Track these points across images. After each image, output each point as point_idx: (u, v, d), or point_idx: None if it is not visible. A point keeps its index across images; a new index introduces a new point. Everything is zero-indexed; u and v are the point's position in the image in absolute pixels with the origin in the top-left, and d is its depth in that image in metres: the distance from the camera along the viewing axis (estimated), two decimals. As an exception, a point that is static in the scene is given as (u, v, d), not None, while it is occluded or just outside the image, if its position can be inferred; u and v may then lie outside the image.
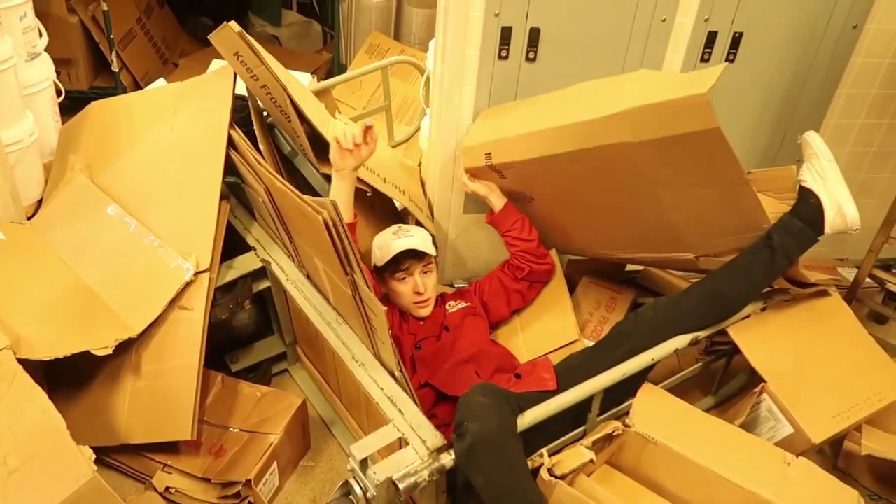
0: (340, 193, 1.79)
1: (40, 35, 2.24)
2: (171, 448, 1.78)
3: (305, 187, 2.20)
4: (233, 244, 2.00)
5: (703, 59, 2.02)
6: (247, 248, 2.02)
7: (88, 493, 1.36)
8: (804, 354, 1.82)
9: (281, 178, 1.66)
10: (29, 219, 2.07)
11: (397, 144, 2.89)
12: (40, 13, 2.25)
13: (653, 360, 1.70)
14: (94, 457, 1.39)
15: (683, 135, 1.50)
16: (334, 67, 3.86)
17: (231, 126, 1.93)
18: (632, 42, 1.96)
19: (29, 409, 1.41)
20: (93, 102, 2.22)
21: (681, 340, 1.73)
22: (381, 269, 1.92)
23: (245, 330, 2.14)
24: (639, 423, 1.59)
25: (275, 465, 1.80)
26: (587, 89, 1.77)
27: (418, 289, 1.90)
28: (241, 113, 2.10)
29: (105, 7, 3.19)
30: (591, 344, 1.86)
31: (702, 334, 1.76)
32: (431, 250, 1.93)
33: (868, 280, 2.31)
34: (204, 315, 1.78)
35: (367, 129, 1.74)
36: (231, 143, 1.93)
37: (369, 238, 2.05)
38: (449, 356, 1.80)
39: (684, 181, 1.64)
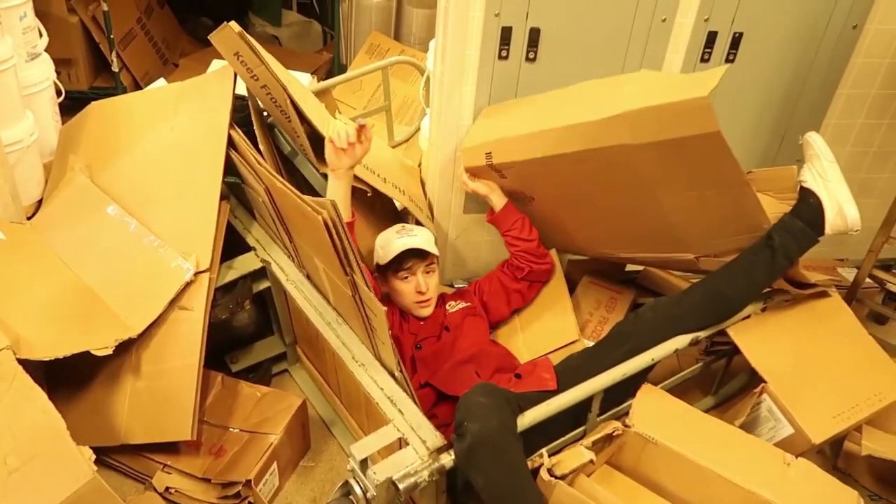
0: (337, 192, 1.79)
1: (40, 35, 2.24)
2: (171, 448, 1.78)
3: (305, 187, 2.20)
4: (233, 244, 2.00)
5: (703, 60, 2.02)
6: (247, 248, 2.02)
7: (88, 494, 1.36)
8: (804, 355, 1.82)
9: (281, 179, 1.66)
10: (29, 219, 2.07)
11: (397, 144, 2.89)
12: (40, 13, 2.25)
13: (653, 360, 1.70)
14: (94, 457, 1.39)
15: (684, 138, 1.49)
16: (334, 67, 3.86)
17: (231, 126, 1.93)
18: (632, 42, 1.96)
19: (29, 409, 1.41)
20: (93, 102, 2.22)
21: (681, 340, 1.73)
22: (384, 267, 1.92)
23: (245, 330, 2.14)
24: (639, 424, 1.59)
25: (275, 465, 1.80)
26: (588, 89, 1.77)
27: (420, 288, 1.89)
28: (241, 113, 2.10)
29: (105, 7, 3.19)
30: (591, 344, 1.86)
31: (702, 334, 1.76)
32: (434, 250, 1.93)
33: (868, 280, 2.31)
34: (204, 315, 1.78)
35: (361, 127, 1.74)
36: (231, 143, 1.93)
37: (370, 238, 2.05)
38: (449, 356, 1.80)
39: (684, 183, 1.64)
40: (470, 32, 1.86)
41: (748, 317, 1.83)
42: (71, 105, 2.46)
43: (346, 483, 1.45)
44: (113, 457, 1.83)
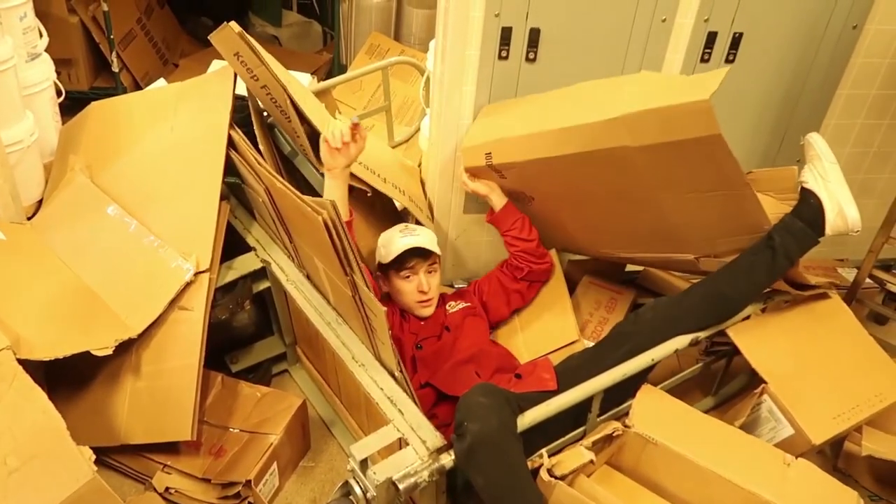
0: (334, 192, 1.79)
1: (40, 35, 2.24)
2: (170, 448, 1.78)
3: (305, 187, 2.20)
4: (233, 244, 2.00)
5: (703, 60, 2.02)
6: (247, 249, 2.02)
7: (88, 494, 1.36)
8: (804, 355, 1.82)
9: (281, 179, 1.66)
10: (29, 219, 2.07)
11: (397, 145, 2.89)
12: (40, 13, 2.25)
13: (653, 360, 1.70)
14: (93, 457, 1.39)
15: (684, 140, 1.49)
16: (334, 68, 3.86)
17: (231, 126, 1.93)
18: (632, 42, 1.96)
19: (29, 409, 1.41)
20: (93, 103, 2.22)
21: (681, 341, 1.73)
22: (386, 266, 1.92)
23: (245, 330, 2.14)
24: (638, 424, 1.59)
25: (275, 465, 1.80)
26: (589, 90, 1.77)
27: (423, 287, 1.89)
28: (241, 113, 2.10)
29: (105, 7, 3.20)
30: (591, 344, 1.86)
31: (702, 335, 1.76)
32: (437, 250, 1.93)
33: (868, 280, 2.31)
34: (204, 315, 1.78)
35: (355, 126, 1.73)
36: (231, 144, 1.93)
37: (370, 238, 2.05)
38: (449, 356, 1.80)
39: (685, 184, 1.64)
40: (470, 33, 1.86)
41: (748, 317, 1.83)
42: (71, 105, 2.46)
43: (346, 483, 1.45)
44: (113, 457, 1.83)
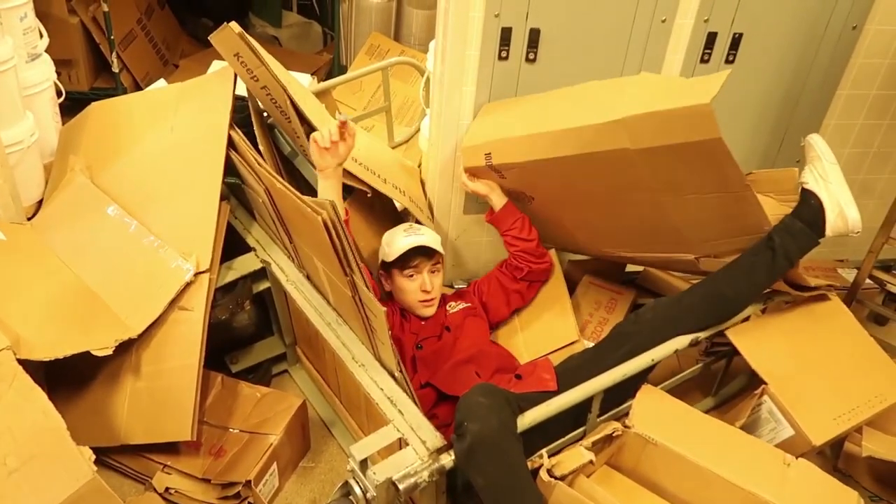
0: (328, 192, 1.78)
1: (41, 36, 2.24)
2: (170, 449, 1.78)
3: (305, 187, 2.20)
4: (233, 245, 2.00)
5: (702, 60, 2.02)
6: (247, 249, 2.02)
7: (88, 494, 1.36)
8: (805, 356, 1.82)
9: (281, 179, 1.67)
10: (29, 219, 2.08)
11: (397, 145, 2.89)
12: (41, 14, 2.25)
13: (653, 360, 1.70)
14: (93, 457, 1.39)
15: (684, 144, 1.49)
16: (334, 68, 3.86)
17: (231, 126, 1.93)
18: (632, 43, 1.96)
19: (29, 409, 1.41)
20: (93, 103, 2.22)
21: (681, 341, 1.73)
22: (390, 265, 1.92)
23: (245, 331, 2.14)
24: (638, 424, 1.59)
25: (275, 465, 1.80)
26: (589, 90, 1.76)
27: (426, 287, 1.89)
28: (241, 113, 2.10)
29: (105, 8, 3.20)
30: (591, 345, 1.86)
31: (702, 335, 1.76)
32: (441, 250, 1.93)
33: (868, 281, 2.31)
34: (204, 316, 1.78)
35: (343, 124, 1.72)
36: (231, 144, 1.93)
37: (371, 239, 2.05)
38: (450, 356, 1.80)
39: (685, 187, 1.64)
40: (470, 33, 1.86)
41: (748, 318, 1.83)
42: (71, 106, 2.46)
43: (346, 483, 1.45)
44: (113, 457, 1.83)
